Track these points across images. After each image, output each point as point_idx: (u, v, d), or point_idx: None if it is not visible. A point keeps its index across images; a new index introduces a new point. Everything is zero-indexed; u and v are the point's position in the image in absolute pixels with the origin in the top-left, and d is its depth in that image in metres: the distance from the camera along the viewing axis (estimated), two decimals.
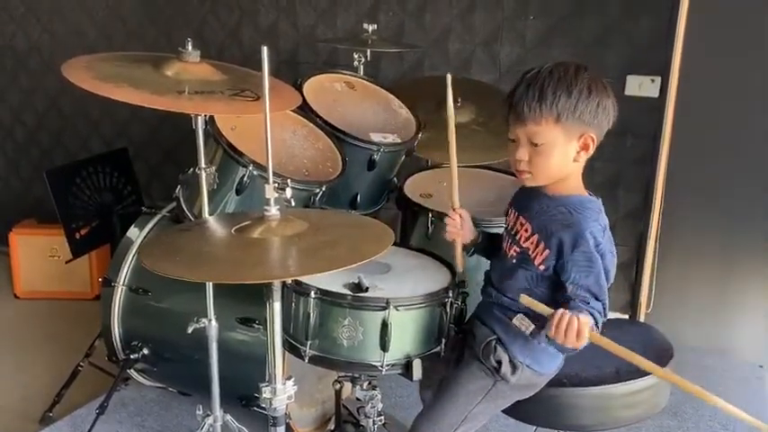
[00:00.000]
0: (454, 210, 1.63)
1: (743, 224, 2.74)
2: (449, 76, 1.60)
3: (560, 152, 1.46)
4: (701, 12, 2.52)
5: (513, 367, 1.55)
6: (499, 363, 1.55)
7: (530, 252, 1.51)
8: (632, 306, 2.87)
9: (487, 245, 1.70)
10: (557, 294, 1.49)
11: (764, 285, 2.77)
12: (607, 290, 1.46)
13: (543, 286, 1.51)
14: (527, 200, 1.57)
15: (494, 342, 1.56)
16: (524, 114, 1.43)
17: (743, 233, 2.74)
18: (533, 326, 1.52)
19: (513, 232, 1.58)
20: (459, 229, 1.63)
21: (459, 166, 2.34)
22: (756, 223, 2.72)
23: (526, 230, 1.53)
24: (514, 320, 1.54)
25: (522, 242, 1.54)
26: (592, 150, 1.48)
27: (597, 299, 1.44)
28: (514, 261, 1.55)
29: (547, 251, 1.48)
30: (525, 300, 1.41)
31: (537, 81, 1.43)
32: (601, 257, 1.44)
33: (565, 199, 1.50)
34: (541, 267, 1.49)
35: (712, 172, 2.73)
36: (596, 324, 1.41)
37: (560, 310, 1.35)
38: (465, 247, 1.67)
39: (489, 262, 1.70)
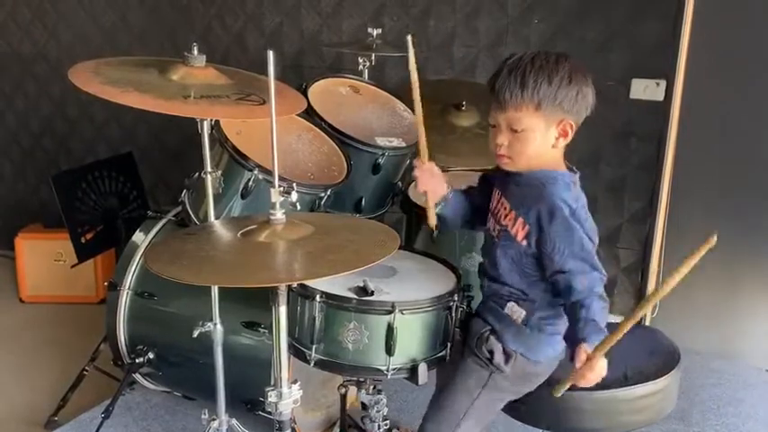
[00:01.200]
0: (423, 162, 1.63)
1: (749, 227, 2.72)
2: (409, 38, 1.62)
3: (539, 138, 1.48)
4: (706, 15, 2.52)
5: (507, 356, 1.55)
6: (491, 352, 1.55)
7: (509, 228, 1.53)
8: None
9: (464, 204, 1.69)
10: (543, 270, 1.50)
11: None
12: (594, 251, 1.47)
13: (529, 263, 1.52)
14: (505, 179, 1.59)
15: (487, 333, 1.57)
16: (505, 101, 1.46)
17: (749, 236, 2.73)
18: (524, 312, 1.54)
19: (495, 212, 1.60)
20: (430, 179, 1.62)
21: (463, 170, 2.37)
22: (763, 226, 2.71)
23: (505, 208, 1.56)
24: (506, 309, 1.56)
25: (502, 220, 1.56)
26: (570, 137, 1.50)
27: (592, 265, 1.44)
28: (496, 240, 1.57)
29: (527, 227, 1.49)
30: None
31: (518, 68, 1.45)
32: (580, 225, 1.45)
33: (537, 173, 1.52)
34: (524, 243, 1.50)
35: (718, 175, 2.72)
36: (602, 298, 1.43)
37: (580, 369, 1.37)
38: (437, 203, 1.66)
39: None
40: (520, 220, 1.51)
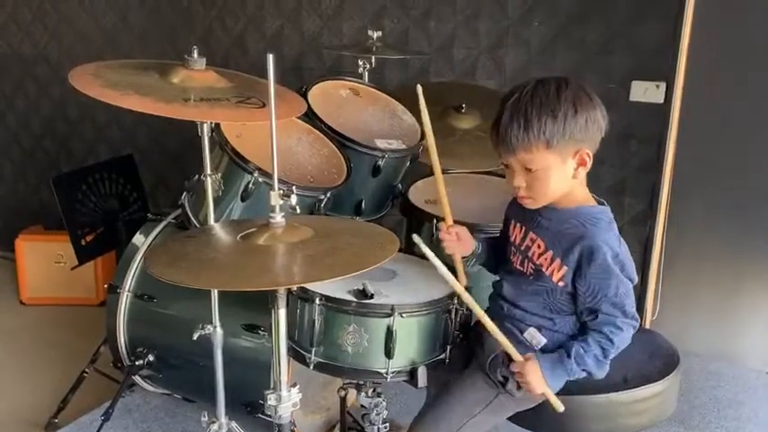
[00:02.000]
0: (448, 227, 1.61)
1: (749, 229, 2.72)
2: (419, 88, 1.55)
3: (557, 174, 1.44)
4: (707, 17, 2.52)
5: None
6: (506, 378, 1.53)
7: (543, 268, 1.49)
8: (638, 312, 2.85)
9: (489, 253, 1.68)
10: (577, 306, 1.49)
11: None
12: (632, 293, 1.46)
13: (563, 299, 1.50)
14: (532, 213, 1.54)
15: (501, 356, 1.54)
16: (513, 145, 1.41)
17: (749, 238, 2.73)
18: (544, 340, 1.52)
19: (523, 248, 1.55)
20: (458, 242, 1.61)
21: (463, 173, 2.37)
22: (763, 228, 2.70)
23: (539, 246, 1.51)
24: (525, 334, 1.53)
25: (535, 259, 1.52)
26: (589, 164, 1.46)
27: (624, 312, 1.45)
28: (531, 278, 1.53)
29: (564, 268, 1.46)
30: (502, 341, 1.45)
31: (520, 109, 1.39)
32: (621, 268, 1.43)
33: (574, 211, 1.48)
34: (560, 284, 1.47)
35: (718, 177, 2.72)
36: (611, 342, 1.46)
37: (523, 363, 1.46)
38: (466, 259, 1.65)
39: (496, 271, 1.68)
40: (557, 261, 1.47)
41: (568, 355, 1.44)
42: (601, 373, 1.49)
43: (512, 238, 1.59)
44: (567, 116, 1.38)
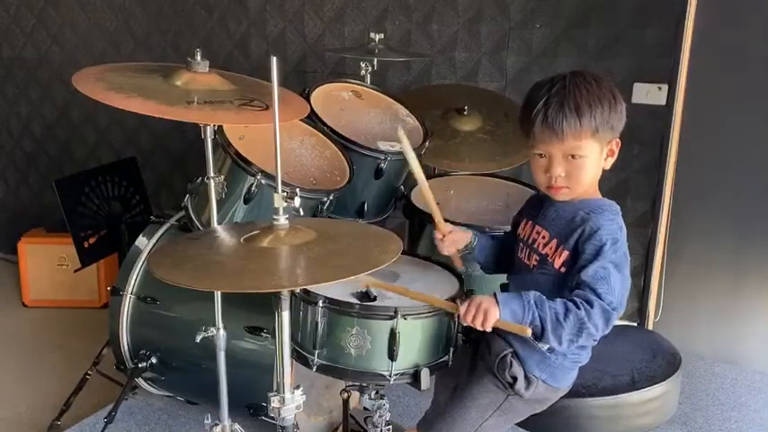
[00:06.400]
0: (442, 233, 1.66)
1: (751, 231, 2.72)
2: (400, 129, 1.67)
3: (595, 162, 1.49)
4: (708, 19, 2.52)
5: (528, 382, 1.53)
6: (514, 378, 1.53)
7: (548, 257, 1.51)
8: (640, 314, 2.86)
9: (488, 252, 1.70)
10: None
11: None
12: (617, 288, 1.42)
13: (566, 290, 1.48)
14: (540, 207, 1.57)
15: (509, 356, 1.54)
16: (563, 132, 1.43)
17: (751, 240, 2.73)
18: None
19: (529, 242, 1.57)
20: (451, 243, 1.66)
21: (465, 174, 2.38)
22: (765, 230, 2.70)
23: (543, 237, 1.53)
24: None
25: (540, 249, 1.53)
26: (616, 154, 1.51)
27: (596, 293, 1.39)
28: (533, 269, 1.54)
29: (566, 252, 1.47)
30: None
31: (568, 96, 1.43)
32: (611, 257, 1.41)
33: (582, 203, 1.50)
34: (562, 269, 1.48)
35: (720, 179, 2.72)
36: (577, 309, 1.38)
37: (471, 300, 1.43)
38: (461, 250, 1.69)
39: (506, 275, 1.68)
40: (561, 248, 1.48)
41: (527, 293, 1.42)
42: (554, 340, 1.39)
43: (521, 235, 1.61)
44: (611, 105, 1.45)
